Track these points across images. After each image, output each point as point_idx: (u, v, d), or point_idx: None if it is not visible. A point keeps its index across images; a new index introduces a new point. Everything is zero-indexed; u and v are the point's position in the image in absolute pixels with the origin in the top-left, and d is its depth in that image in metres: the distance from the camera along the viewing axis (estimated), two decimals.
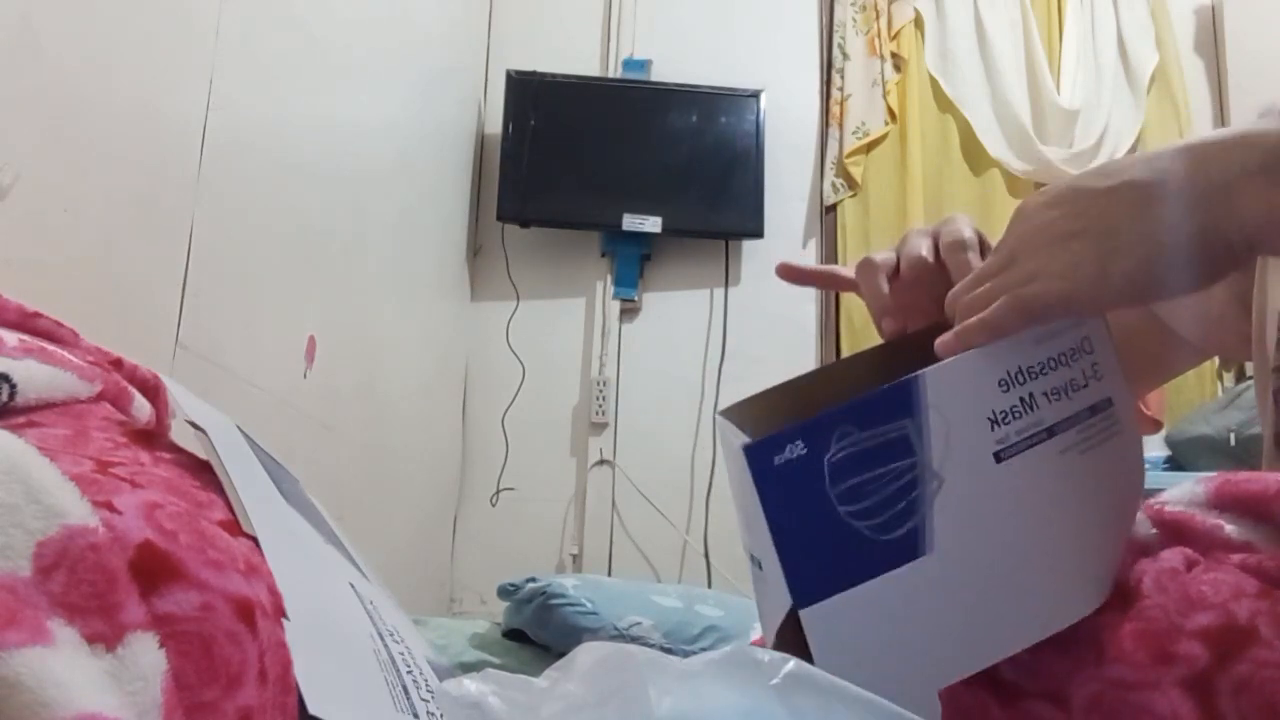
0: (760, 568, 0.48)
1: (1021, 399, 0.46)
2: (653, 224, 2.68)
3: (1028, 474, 0.46)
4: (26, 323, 0.59)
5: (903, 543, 0.44)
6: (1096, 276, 0.45)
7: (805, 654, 0.47)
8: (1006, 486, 0.45)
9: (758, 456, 0.45)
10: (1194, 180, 0.44)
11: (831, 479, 0.44)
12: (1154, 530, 0.49)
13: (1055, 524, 0.46)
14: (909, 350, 0.54)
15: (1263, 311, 0.71)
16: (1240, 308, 0.72)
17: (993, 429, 0.45)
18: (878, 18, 2.89)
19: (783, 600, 0.45)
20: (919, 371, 0.45)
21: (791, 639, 0.46)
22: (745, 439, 0.46)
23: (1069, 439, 0.47)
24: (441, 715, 0.51)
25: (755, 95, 2.79)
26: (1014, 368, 0.46)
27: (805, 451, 0.44)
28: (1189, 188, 0.44)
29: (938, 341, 0.48)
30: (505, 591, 1.35)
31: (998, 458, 0.45)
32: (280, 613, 0.44)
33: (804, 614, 0.44)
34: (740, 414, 0.53)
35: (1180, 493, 0.51)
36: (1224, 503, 0.49)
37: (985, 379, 0.46)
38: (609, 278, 2.82)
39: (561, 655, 0.43)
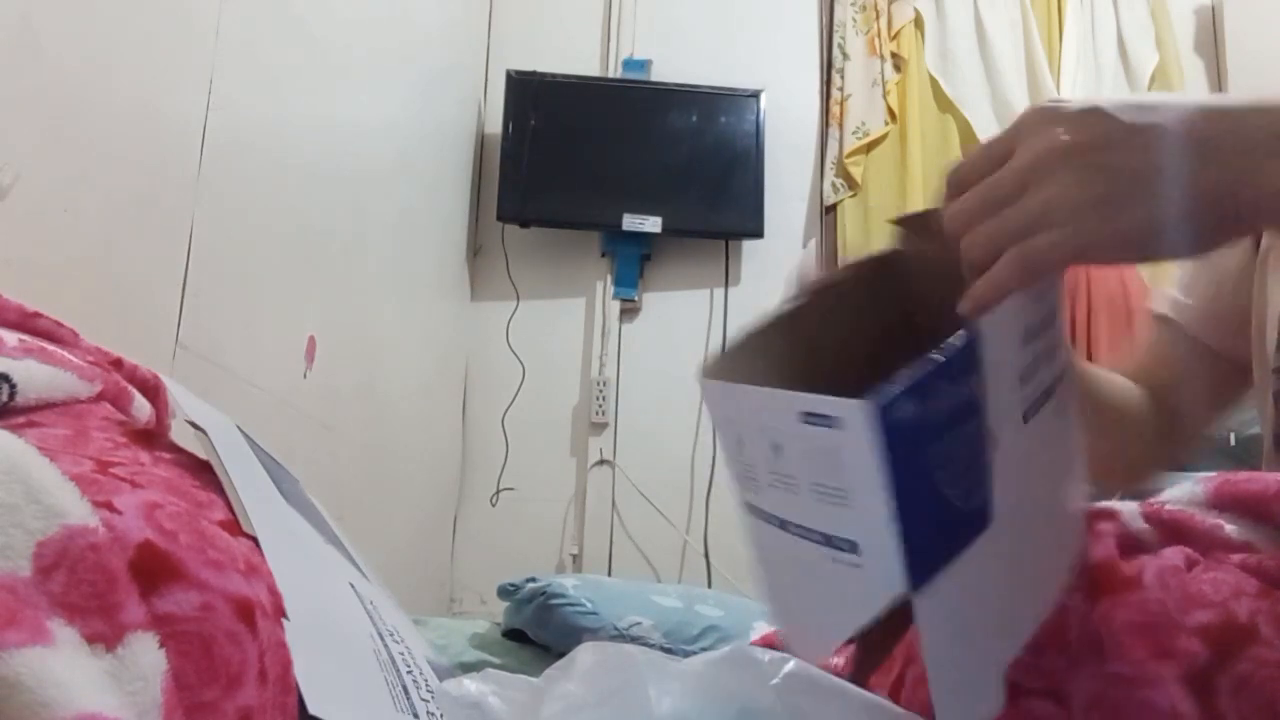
0: (850, 550, 0.42)
1: (1034, 356, 0.44)
2: (653, 224, 2.68)
3: (1039, 435, 0.44)
4: (26, 323, 0.59)
5: (978, 513, 0.41)
6: (1107, 229, 0.43)
7: (887, 643, 0.46)
8: (1030, 447, 0.43)
9: (884, 416, 0.39)
10: (1223, 143, 0.43)
11: (930, 442, 0.40)
12: (1149, 528, 0.49)
13: (1055, 488, 0.46)
14: (831, 297, 0.52)
15: (1262, 313, 0.71)
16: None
17: (1020, 387, 0.43)
18: (878, 18, 2.89)
19: (884, 584, 0.40)
20: (976, 324, 0.41)
21: (885, 630, 0.43)
22: (838, 399, 0.40)
23: (1057, 401, 0.45)
24: (441, 715, 0.51)
25: (755, 95, 2.79)
26: (1030, 323, 0.44)
27: (912, 412, 0.40)
28: (1216, 151, 0.43)
29: (961, 306, 0.44)
30: (505, 591, 1.35)
31: (1024, 418, 0.43)
32: (280, 613, 0.44)
33: (919, 597, 0.40)
34: (731, 374, 0.49)
35: (1180, 492, 0.51)
36: (1224, 502, 0.49)
37: (1015, 334, 0.43)
38: (609, 278, 2.82)
39: (561, 655, 0.43)
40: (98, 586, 0.36)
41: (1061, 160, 0.44)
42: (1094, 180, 0.43)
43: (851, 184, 2.80)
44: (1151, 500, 0.53)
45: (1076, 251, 0.43)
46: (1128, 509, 0.50)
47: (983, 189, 0.46)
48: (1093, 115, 0.44)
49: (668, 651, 1.15)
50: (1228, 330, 0.76)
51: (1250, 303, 0.74)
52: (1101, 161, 0.43)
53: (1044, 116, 0.45)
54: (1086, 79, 2.81)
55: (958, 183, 0.47)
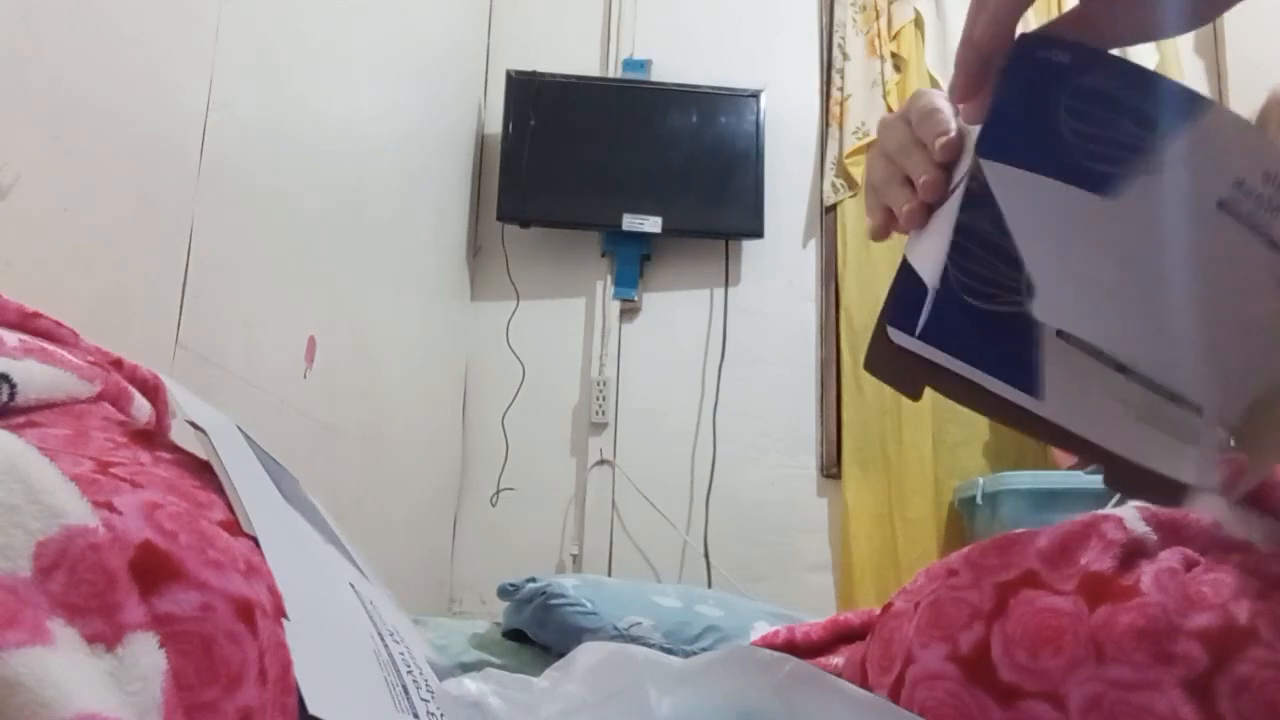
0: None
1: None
2: (653, 224, 2.69)
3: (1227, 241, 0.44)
4: (26, 323, 0.59)
5: (1098, 175, 0.44)
6: None
7: None
8: (1217, 240, 0.44)
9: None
10: None
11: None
12: (1150, 529, 0.49)
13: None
14: None
15: None
16: None
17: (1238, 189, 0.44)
18: (878, 18, 2.89)
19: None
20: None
21: None
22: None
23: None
24: (441, 715, 0.51)
25: (755, 95, 2.79)
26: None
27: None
28: None
29: None
30: (505, 591, 1.35)
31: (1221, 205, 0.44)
32: (280, 613, 0.44)
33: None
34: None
35: None
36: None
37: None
38: (609, 278, 2.82)
39: (561, 655, 0.43)
40: (98, 586, 0.36)
41: None
42: None
43: (851, 184, 2.80)
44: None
45: None
46: (1128, 512, 0.50)
47: None
48: None
49: (668, 651, 1.15)
50: None
51: None
52: None
53: None
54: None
55: None
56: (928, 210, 0.49)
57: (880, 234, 0.56)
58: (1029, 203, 0.45)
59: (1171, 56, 2.80)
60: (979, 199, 0.46)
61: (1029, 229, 0.45)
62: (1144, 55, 2.80)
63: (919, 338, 0.46)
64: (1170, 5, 0.47)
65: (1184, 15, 0.47)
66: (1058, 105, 0.45)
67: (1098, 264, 0.45)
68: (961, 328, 0.46)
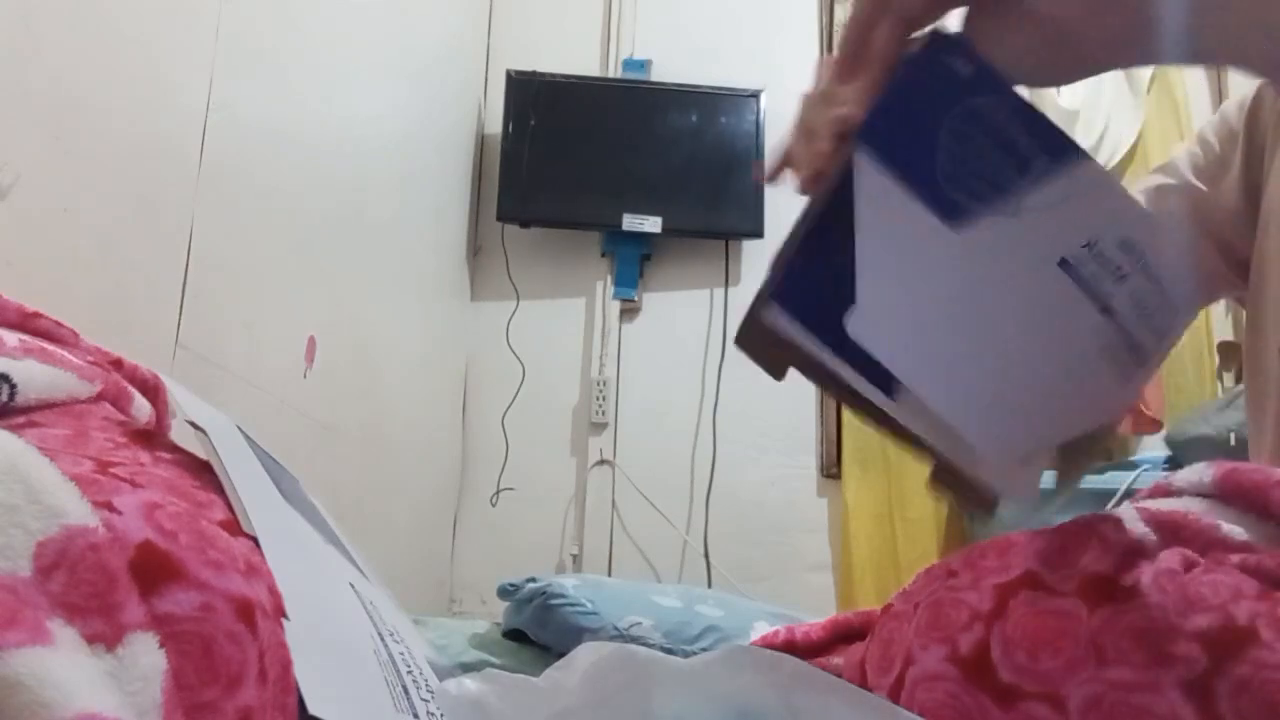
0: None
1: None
2: (653, 224, 2.68)
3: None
4: (26, 323, 0.59)
5: (949, 203, 0.43)
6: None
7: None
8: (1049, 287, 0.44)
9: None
10: None
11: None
12: (1149, 530, 0.49)
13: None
14: None
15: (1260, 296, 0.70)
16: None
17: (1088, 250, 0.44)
18: None
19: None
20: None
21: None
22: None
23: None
24: (441, 715, 0.51)
25: (755, 95, 2.79)
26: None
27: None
28: None
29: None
30: (505, 591, 1.35)
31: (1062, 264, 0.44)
32: (280, 613, 0.44)
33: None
34: None
35: (1190, 475, 0.52)
36: (1228, 491, 0.49)
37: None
38: (609, 278, 2.82)
39: (561, 655, 0.43)
40: (98, 586, 0.36)
41: None
42: None
43: None
44: (1159, 482, 0.53)
45: None
46: (1127, 512, 0.50)
47: None
48: None
49: (668, 651, 1.15)
50: (1225, 220, 0.76)
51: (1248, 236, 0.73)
52: None
53: None
54: (1085, 79, 2.80)
55: None
56: (818, 180, 0.48)
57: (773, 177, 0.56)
58: (880, 207, 0.44)
59: None
60: (847, 186, 0.45)
61: (871, 235, 0.44)
62: None
63: (787, 319, 0.45)
64: (1042, 54, 0.46)
65: (1056, 68, 0.47)
66: (941, 118, 0.44)
67: (921, 290, 0.44)
68: (825, 318, 0.44)
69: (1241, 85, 0.71)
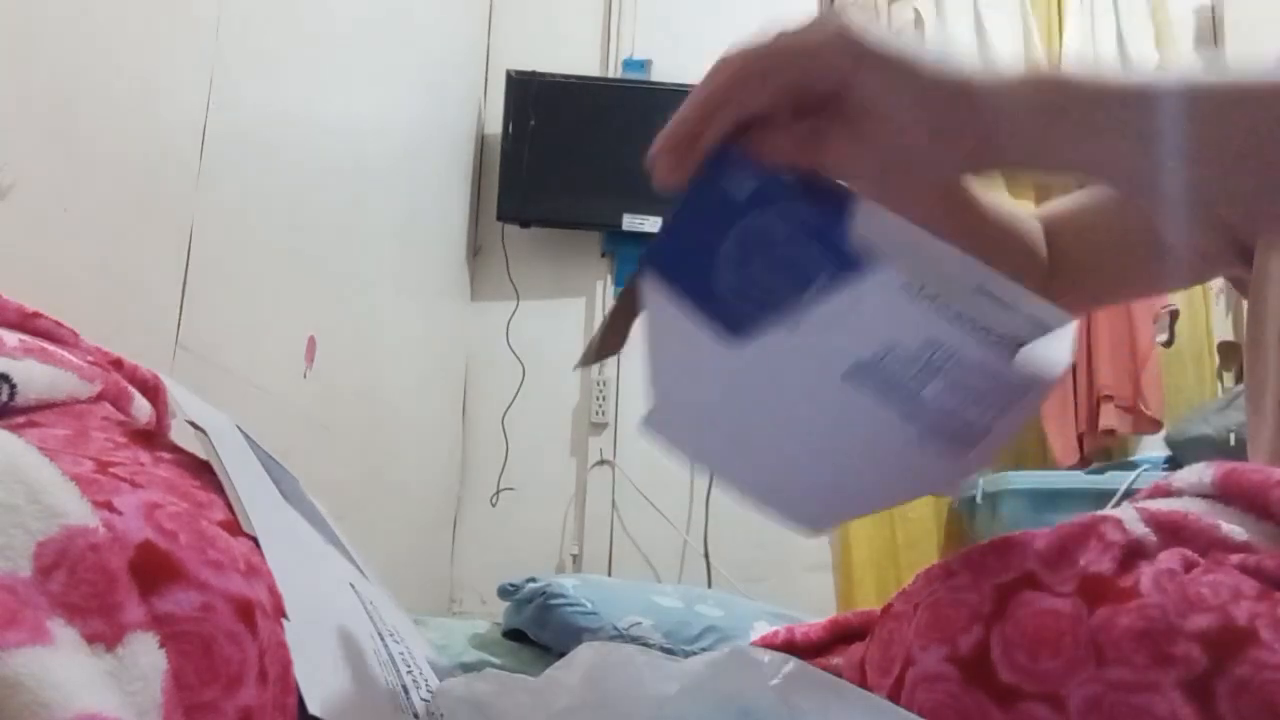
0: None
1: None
2: (653, 224, 2.68)
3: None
4: (26, 323, 0.59)
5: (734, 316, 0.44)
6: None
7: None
8: (844, 403, 0.44)
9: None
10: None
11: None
12: (1149, 530, 0.49)
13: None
14: None
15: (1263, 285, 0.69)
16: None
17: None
18: (877, 18, 2.89)
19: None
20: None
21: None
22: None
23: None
24: (441, 715, 0.52)
25: None
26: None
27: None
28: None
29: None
30: (505, 591, 1.35)
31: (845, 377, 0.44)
32: (280, 613, 0.44)
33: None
34: None
35: (1190, 475, 0.52)
36: (1228, 490, 0.49)
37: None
38: (609, 278, 2.82)
39: (561, 655, 0.43)
40: (98, 586, 0.36)
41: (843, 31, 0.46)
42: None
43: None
44: (1159, 482, 0.53)
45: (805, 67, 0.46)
46: (1127, 513, 0.50)
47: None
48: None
49: (668, 651, 1.15)
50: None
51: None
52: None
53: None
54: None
55: None
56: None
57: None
58: (665, 326, 0.45)
59: (1172, 57, 2.80)
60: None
61: (658, 349, 0.46)
62: (1144, 56, 2.81)
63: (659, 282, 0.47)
64: (886, 175, 0.47)
65: (902, 191, 0.49)
66: (719, 239, 0.45)
67: (709, 397, 0.45)
68: (692, 283, 0.47)
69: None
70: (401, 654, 0.57)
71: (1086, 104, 0.45)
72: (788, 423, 0.45)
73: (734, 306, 0.44)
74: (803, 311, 0.43)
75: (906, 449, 0.44)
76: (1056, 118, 0.45)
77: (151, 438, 0.55)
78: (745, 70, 0.48)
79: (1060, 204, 0.79)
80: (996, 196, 0.73)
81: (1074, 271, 0.75)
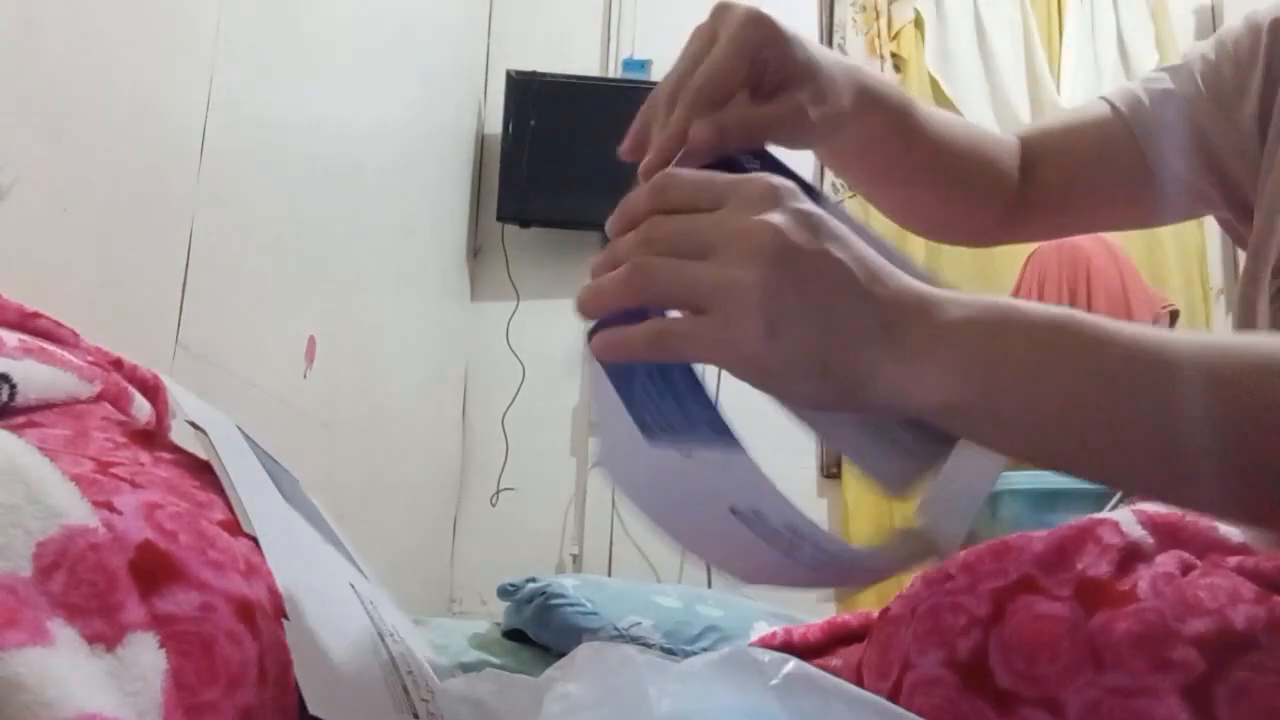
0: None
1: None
2: None
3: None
4: (26, 323, 0.59)
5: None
6: (761, 356, 0.44)
7: None
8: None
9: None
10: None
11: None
12: (1146, 533, 0.49)
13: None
14: None
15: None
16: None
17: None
18: (878, 18, 2.89)
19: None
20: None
21: None
22: None
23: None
24: (441, 715, 0.52)
25: None
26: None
27: None
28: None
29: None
30: (505, 592, 1.35)
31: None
32: (280, 613, 0.44)
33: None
34: None
35: None
36: None
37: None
38: None
39: (561, 655, 0.43)
40: (98, 586, 0.36)
41: (770, 256, 0.42)
42: (786, 295, 0.42)
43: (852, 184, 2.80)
44: (1146, 505, 0.53)
45: (718, 357, 0.44)
46: (1124, 515, 0.50)
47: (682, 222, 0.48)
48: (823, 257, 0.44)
49: (668, 651, 1.15)
50: (1231, 151, 0.69)
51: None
52: (806, 285, 0.43)
53: (784, 195, 0.45)
54: (1086, 79, 2.81)
55: (662, 188, 0.50)
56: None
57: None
58: (605, 389, 0.47)
59: (1172, 57, 2.80)
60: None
61: (601, 401, 0.48)
62: (1144, 56, 2.81)
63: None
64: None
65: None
66: (636, 364, 0.48)
67: (635, 459, 0.47)
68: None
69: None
70: (401, 654, 0.57)
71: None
72: (700, 510, 0.47)
73: (642, 413, 0.46)
74: (692, 447, 0.46)
75: (798, 569, 0.46)
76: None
77: (151, 438, 0.55)
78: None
79: (1046, 123, 0.78)
80: (952, 120, 0.72)
81: (1053, 190, 0.74)
